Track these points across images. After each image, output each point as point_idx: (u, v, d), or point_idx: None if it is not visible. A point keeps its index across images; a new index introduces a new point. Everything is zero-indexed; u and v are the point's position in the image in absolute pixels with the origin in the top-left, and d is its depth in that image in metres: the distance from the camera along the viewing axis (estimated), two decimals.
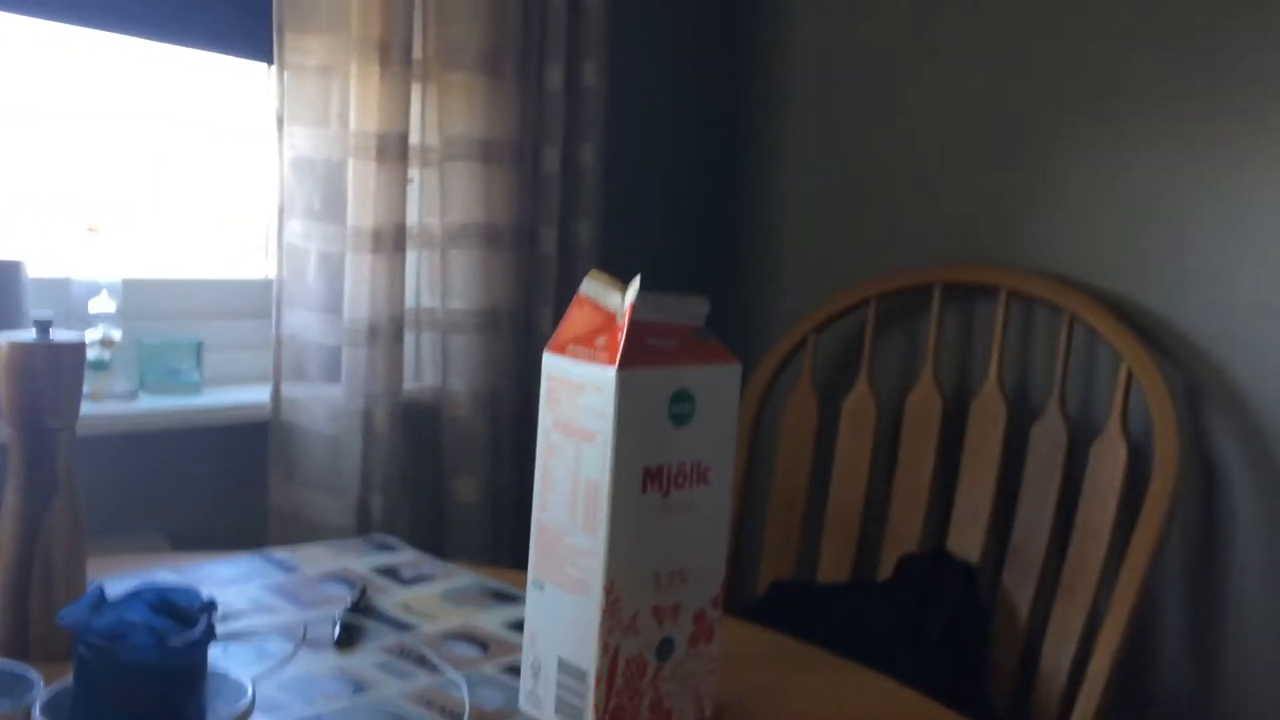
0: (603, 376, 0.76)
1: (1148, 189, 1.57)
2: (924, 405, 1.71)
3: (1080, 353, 1.63)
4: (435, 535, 1.66)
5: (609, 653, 0.77)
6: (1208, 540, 1.53)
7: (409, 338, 1.64)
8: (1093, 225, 1.63)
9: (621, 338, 0.76)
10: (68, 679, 0.77)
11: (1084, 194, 1.63)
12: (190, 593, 0.79)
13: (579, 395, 0.78)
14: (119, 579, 1.08)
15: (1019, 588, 1.57)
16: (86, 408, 1.20)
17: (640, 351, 0.77)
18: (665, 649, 0.80)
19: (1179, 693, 1.55)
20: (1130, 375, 1.51)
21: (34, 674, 0.79)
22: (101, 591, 0.76)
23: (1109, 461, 1.52)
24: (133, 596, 0.77)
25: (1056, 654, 1.50)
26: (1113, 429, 1.52)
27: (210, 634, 0.76)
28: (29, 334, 0.91)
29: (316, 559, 1.18)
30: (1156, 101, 1.56)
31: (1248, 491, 1.48)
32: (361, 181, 1.48)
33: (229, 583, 1.09)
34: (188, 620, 0.77)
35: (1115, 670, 1.41)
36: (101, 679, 0.73)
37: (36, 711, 0.73)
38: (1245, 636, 1.49)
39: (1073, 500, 1.55)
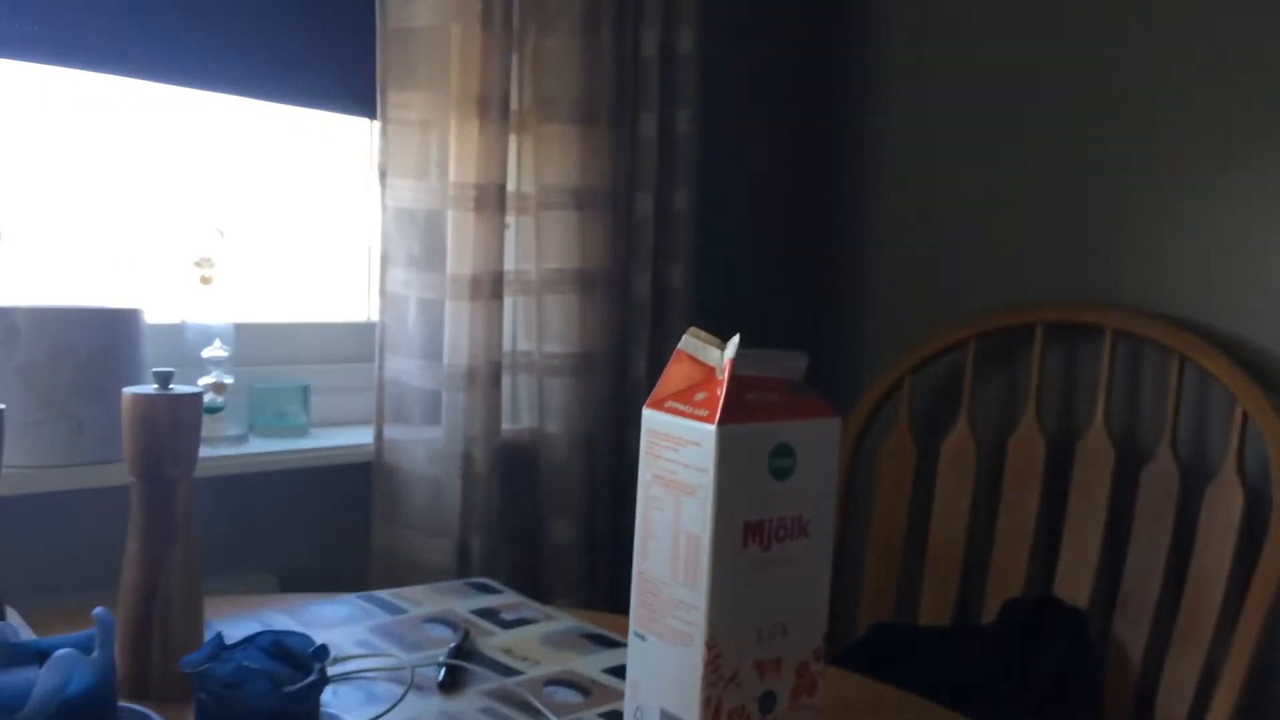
0: (703, 432, 0.76)
1: (1261, 227, 1.52)
2: (1027, 447, 1.68)
3: (1191, 395, 1.58)
4: (532, 576, 1.68)
5: (711, 705, 0.77)
6: None
7: (506, 381, 1.66)
8: (1203, 263, 1.58)
9: (721, 393, 0.77)
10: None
11: (1195, 232, 1.59)
12: (304, 638, 0.81)
13: (679, 450, 0.78)
14: (233, 621, 1.12)
15: (1131, 635, 1.52)
16: (200, 451, 1.24)
17: (740, 407, 0.77)
18: (768, 702, 0.80)
19: None
20: (1245, 417, 1.46)
21: (156, 717, 0.82)
22: (221, 639, 0.79)
23: (1224, 506, 1.46)
24: (249, 643, 0.80)
25: (1173, 703, 1.45)
26: (1228, 472, 1.47)
27: (324, 679, 0.78)
28: (150, 386, 0.95)
29: (420, 601, 1.21)
30: (1271, 137, 1.51)
31: None
32: (460, 230, 1.51)
33: (336, 624, 1.12)
34: (302, 665, 0.79)
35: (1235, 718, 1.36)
36: None
37: None
38: None
39: (1186, 546, 1.50)
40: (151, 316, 1.43)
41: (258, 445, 1.50)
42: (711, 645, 0.77)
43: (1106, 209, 1.69)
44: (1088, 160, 1.71)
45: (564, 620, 1.16)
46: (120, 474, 1.31)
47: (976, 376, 1.78)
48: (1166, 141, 1.62)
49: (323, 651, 0.81)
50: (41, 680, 0.76)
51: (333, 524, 1.60)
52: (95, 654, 0.79)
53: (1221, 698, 1.37)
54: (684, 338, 0.82)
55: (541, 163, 1.61)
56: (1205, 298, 1.58)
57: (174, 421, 0.93)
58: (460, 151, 1.50)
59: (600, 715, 0.92)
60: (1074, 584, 1.58)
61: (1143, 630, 1.51)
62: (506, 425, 1.66)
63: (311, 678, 0.78)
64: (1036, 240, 1.78)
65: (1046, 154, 1.76)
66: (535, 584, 1.67)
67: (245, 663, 0.77)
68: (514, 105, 1.60)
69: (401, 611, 1.17)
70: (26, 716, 0.75)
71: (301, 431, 1.56)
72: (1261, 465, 1.46)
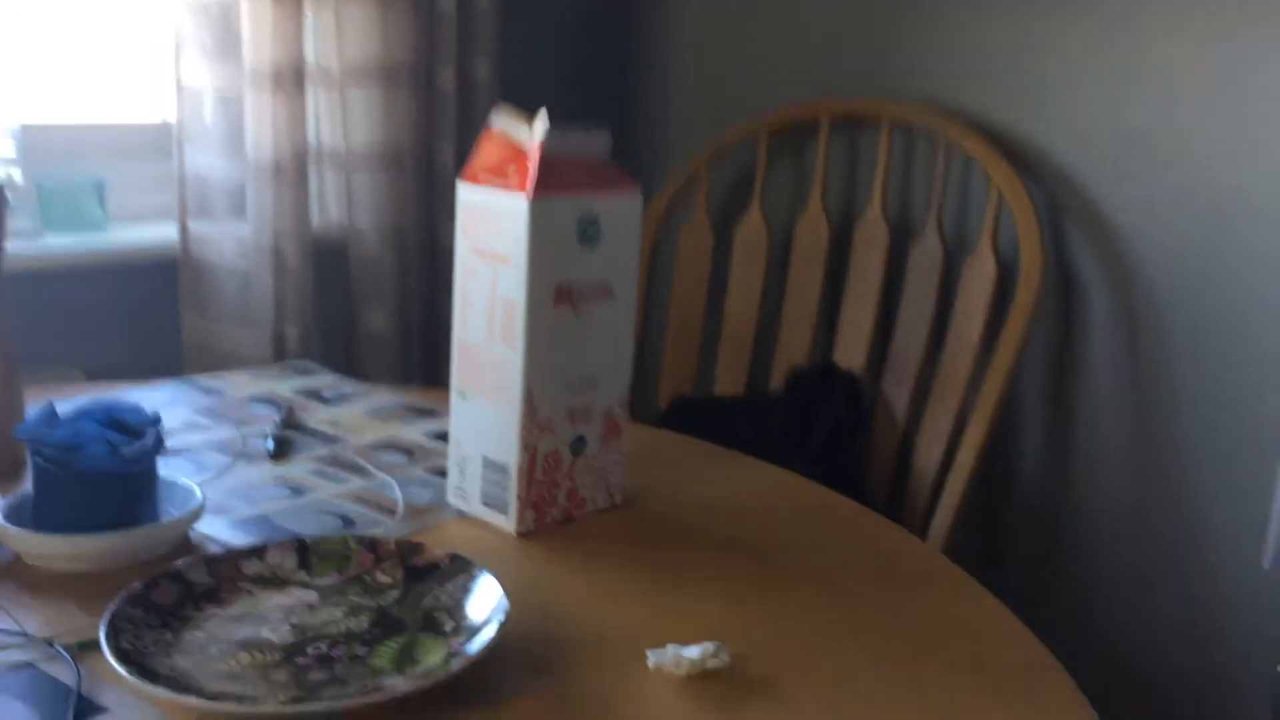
0: (516, 205, 0.83)
1: (1018, 25, 1.65)
2: (812, 231, 1.81)
3: (956, 178, 1.74)
4: (348, 365, 1.73)
5: (529, 449, 0.86)
6: (1066, 344, 1.68)
7: (314, 177, 1.66)
8: (968, 58, 1.71)
9: (532, 168, 0.83)
10: (24, 489, 0.84)
11: (960, 29, 1.71)
12: (136, 409, 0.85)
13: (494, 222, 0.84)
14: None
15: (897, 394, 1.71)
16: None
17: (549, 181, 0.83)
18: (579, 445, 0.90)
19: (1035, 481, 1.73)
20: (1000, 197, 1.62)
21: None
22: (53, 408, 0.82)
23: (980, 277, 1.64)
24: (82, 413, 0.83)
25: (927, 452, 1.66)
26: (983, 247, 1.64)
27: (160, 443, 0.83)
28: None
29: (240, 384, 1.24)
30: None
31: (1101, 298, 1.63)
32: (257, 20, 1.47)
33: (158, 406, 1.14)
34: (136, 433, 0.83)
35: (978, 462, 1.58)
36: (60, 486, 0.80)
37: (0, 517, 0.79)
38: (1097, 429, 1.66)
39: (948, 314, 1.68)
40: None
41: (54, 241, 1.47)
42: (528, 397, 0.85)
43: (884, 9, 1.79)
44: None
45: (385, 395, 1.23)
46: None
47: (769, 166, 1.89)
48: None
49: (156, 419, 0.85)
50: None
51: (139, 319, 1.59)
52: None
53: (968, 442, 1.58)
54: (494, 114, 0.87)
55: None
56: (969, 87, 1.71)
57: None
58: None
59: (426, 469, 1.01)
60: (851, 353, 1.75)
61: (906, 389, 1.70)
62: (316, 221, 1.67)
63: (149, 441, 0.82)
64: (823, 39, 1.87)
65: None
66: (350, 371, 1.72)
67: (81, 429, 0.81)
68: None
69: (222, 394, 1.20)
70: None
71: (99, 225, 1.53)
72: (1012, 239, 1.64)
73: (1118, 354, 1.63)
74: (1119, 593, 1.64)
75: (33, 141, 1.49)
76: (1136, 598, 1.62)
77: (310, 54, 1.61)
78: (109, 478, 0.80)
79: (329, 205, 1.70)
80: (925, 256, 1.71)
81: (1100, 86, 1.59)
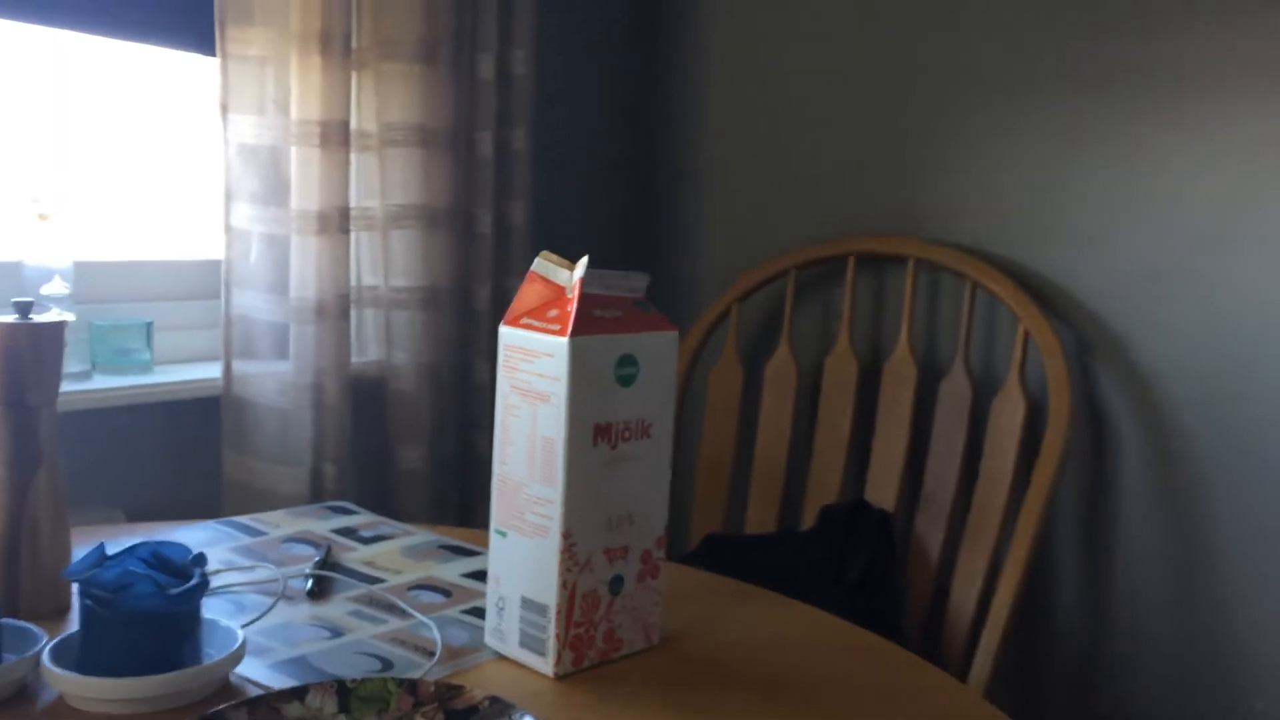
0: (556, 344, 0.85)
1: (1046, 168, 1.70)
2: (841, 368, 1.83)
3: (983, 316, 1.76)
4: (384, 501, 1.74)
5: (568, 589, 0.87)
6: (1099, 483, 1.67)
7: (353, 316, 1.71)
8: (995, 200, 1.76)
9: (572, 310, 0.86)
10: (71, 630, 0.85)
11: (988, 171, 1.76)
12: (181, 548, 0.87)
13: (534, 362, 0.87)
14: (86, 548, 1.14)
15: (930, 532, 1.70)
16: None
17: (589, 321, 0.86)
18: (616, 585, 0.90)
19: (1074, 622, 1.70)
20: (1027, 335, 1.64)
21: (36, 629, 0.86)
22: (103, 549, 0.84)
23: (1009, 415, 1.65)
24: (128, 553, 0.85)
25: (964, 592, 1.64)
26: (1012, 385, 1.65)
27: (205, 584, 0.84)
28: (10, 316, 0.97)
29: (278, 524, 1.26)
30: (1054, 90, 1.69)
31: (1134, 440, 1.63)
32: (305, 166, 1.54)
33: (198, 547, 1.16)
34: (181, 573, 0.85)
35: (1016, 604, 1.55)
36: (107, 627, 0.81)
37: (46, 659, 0.80)
38: (1132, 569, 1.64)
39: (978, 451, 1.69)
40: None
41: (101, 381, 1.51)
42: (567, 535, 0.86)
43: (917, 148, 1.85)
44: (900, 102, 1.86)
45: (421, 535, 1.23)
46: None
47: (796, 303, 1.92)
48: (961, 93, 1.78)
49: (201, 558, 0.87)
50: None
51: (181, 459, 1.62)
52: None
53: (1005, 583, 1.56)
54: (536, 260, 0.90)
55: (384, 100, 1.65)
56: (995, 228, 1.75)
57: (36, 350, 0.96)
58: (303, 88, 1.53)
59: (463, 611, 1.01)
60: (882, 489, 1.75)
61: (940, 527, 1.69)
62: (355, 359, 1.71)
63: (194, 580, 0.84)
64: (849, 179, 1.93)
65: (859, 98, 1.91)
66: (386, 509, 1.73)
67: (128, 569, 0.82)
68: (353, 44, 1.62)
69: (261, 534, 1.22)
70: None
71: (145, 368, 1.57)
72: (1040, 377, 1.66)
73: (1152, 490, 1.62)
74: None
75: (84, 279, 1.55)
76: None
77: (354, 198, 1.67)
78: (155, 618, 0.81)
79: (368, 343, 1.74)
80: (954, 393, 1.72)
81: (1127, 229, 1.62)
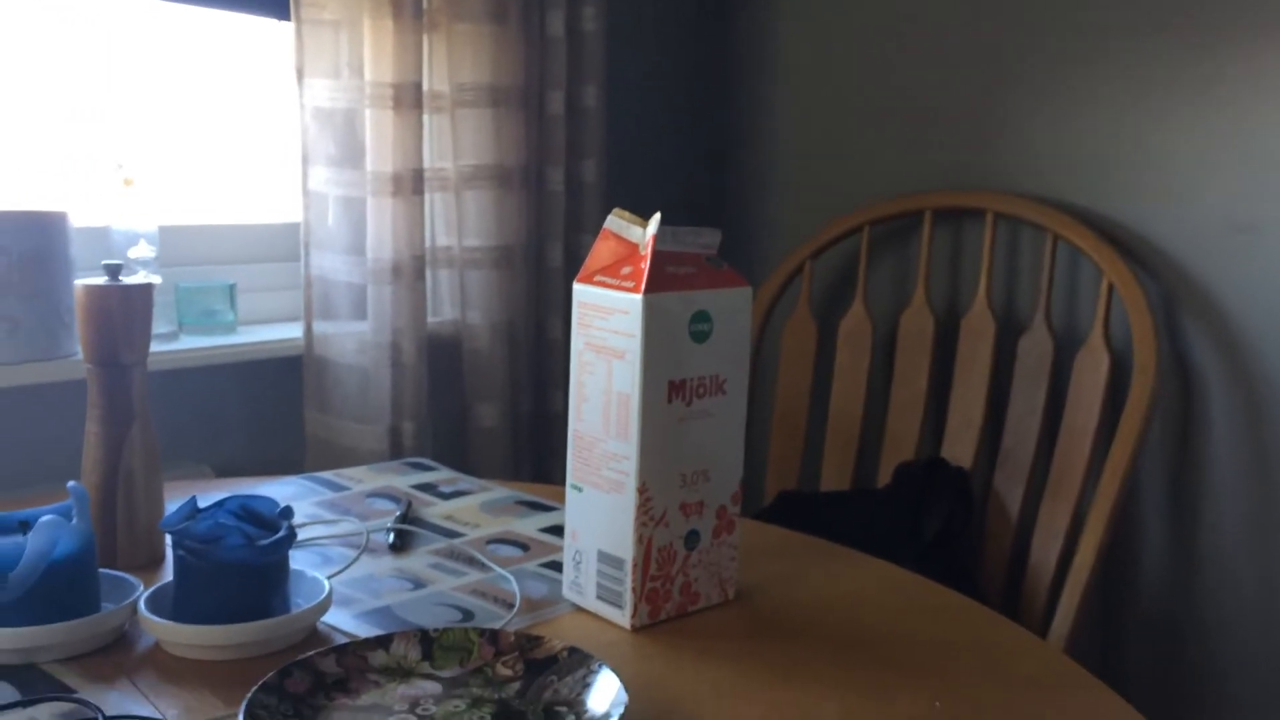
0: (631, 301, 0.85)
1: (1128, 116, 1.65)
2: (917, 324, 1.81)
3: (1064, 269, 1.72)
4: (461, 458, 1.77)
5: (643, 543, 0.87)
6: (1185, 440, 1.64)
7: (429, 275, 1.73)
8: (1077, 150, 1.71)
9: (645, 266, 0.86)
10: (166, 579, 0.88)
11: (1070, 120, 1.72)
12: (269, 502, 0.89)
13: (609, 319, 0.87)
14: (178, 502, 1.18)
15: (1009, 490, 1.68)
16: None
17: (662, 278, 0.86)
18: (692, 539, 0.91)
19: (1158, 581, 1.67)
20: (1111, 288, 1.60)
21: (133, 578, 0.89)
22: (195, 502, 0.86)
23: (1092, 370, 1.62)
24: (219, 506, 0.87)
25: (1044, 549, 1.62)
26: (1095, 339, 1.62)
27: (292, 536, 0.87)
28: (100, 278, 1.00)
29: (360, 479, 1.28)
30: (1136, 34, 1.63)
31: (1221, 393, 1.59)
32: (379, 128, 1.55)
33: (284, 501, 1.19)
34: (270, 525, 0.87)
35: (1098, 563, 1.53)
36: (199, 577, 0.84)
37: (142, 607, 0.83)
38: (1220, 525, 1.60)
39: (1059, 407, 1.66)
40: (76, 220, 1.45)
41: (188, 342, 1.55)
42: (642, 490, 0.87)
43: (995, 98, 1.81)
44: (977, 51, 1.82)
45: (499, 491, 1.25)
46: (56, 371, 1.35)
47: (871, 259, 1.90)
48: (1039, 41, 1.73)
49: (289, 511, 0.89)
50: (31, 543, 0.83)
51: (264, 417, 1.66)
52: (74, 522, 0.86)
53: (1087, 541, 1.54)
54: (609, 217, 0.90)
55: (455, 61, 1.66)
56: (1074, 180, 1.71)
57: (127, 311, 0.99)
58: (376, 51, 1.54)
59: (541, 564, 1.02)
60: (959, 447, 1.73)
61: (1019, 485, 1.67)
62: (431, 318, 1.73)
63: (282, 532, 0.86)
64: (926, 131, 1.89)
65: (937, 48, 1.86)
66: (463, 466, 1.76)
67: (220, 522, 0.85)
68: (425, 5, 1.63)
69: (344, 489, 1.24)
70: (19, 576, 0.82)
71: (229, 329, 1.61)
72: (1125, 332, 1.62)
73: (1239, 447, 1.58)
74: (1249, 707, 1.56)
75: (169, 243, 1.59)
76: (1266, 714, 1.54)
77: (428, 159, 1.69)
78: (245, 569, 0.84)
79: (443, 302, 1.76)
80: (1034, 349, 1.69)
81: (1211, 178, 1.57)
